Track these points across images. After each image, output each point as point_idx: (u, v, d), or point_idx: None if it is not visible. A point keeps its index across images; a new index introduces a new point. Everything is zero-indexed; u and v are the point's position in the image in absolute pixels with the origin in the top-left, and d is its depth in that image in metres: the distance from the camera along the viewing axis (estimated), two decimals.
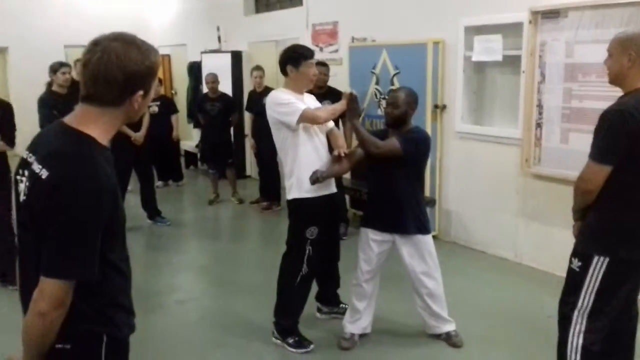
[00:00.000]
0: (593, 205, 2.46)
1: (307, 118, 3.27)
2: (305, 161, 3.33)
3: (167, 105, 7.72)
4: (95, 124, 1.48)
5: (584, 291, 2.46)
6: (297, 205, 3.38)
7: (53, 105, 5.60)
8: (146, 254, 5.62)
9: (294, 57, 3.36)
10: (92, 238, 1.42)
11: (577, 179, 2.49)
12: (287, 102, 3.26)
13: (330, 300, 3.91)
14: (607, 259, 2.41)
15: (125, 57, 1.44)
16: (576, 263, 2.50)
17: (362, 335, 3.58)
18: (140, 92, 1.50)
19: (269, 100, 3.37)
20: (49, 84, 5.90)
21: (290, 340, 3.49)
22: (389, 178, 3.34)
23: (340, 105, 3.44)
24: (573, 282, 2.52)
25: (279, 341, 3.54)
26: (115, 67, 1.43)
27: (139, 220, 6.31)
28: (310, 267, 3.42)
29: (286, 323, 3.53)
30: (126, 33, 1.51)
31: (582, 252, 2.50)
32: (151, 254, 5.63)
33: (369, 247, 3.43)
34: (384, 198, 3.39)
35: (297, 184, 3.34)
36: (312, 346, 3.49)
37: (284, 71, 3.40)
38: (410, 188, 3.35)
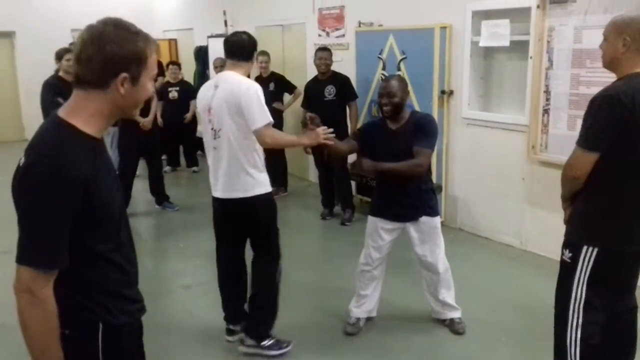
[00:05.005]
0: (581, 193, 2.40)
1: (266, 133, 3.02)
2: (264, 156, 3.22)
3: (187, 90, 7.72)
4: (81, 112, 1.49)
5: (576, 282, 2.40)
6: (263, 199, 3.18)
7: (58, 91, 5.60)
8: (154, 239, 5.66)
9: (257, 45, 3.24)
10: (55, 227, 1.42)
11: (564, 165, 2.44)
12: (264, 105, 3.03)
13: (244, 315, 3.46)
14: (595, 249, 2.35)
15: (106, 37, 1.45)
16: (567, 254, 2.45)
17: (367, 319, 3.61)
18: (124, 75, 1.48)
19: (244, 85, 3.04)
20: (57, 70, 5.91)
21: (267, 344, 3.30)
22: None
23: (298, 140, 3.38)
24: (565, 274, 2.46)
25: (251, 349, 3.31)
26: (95, 46, 1.45)
27: (147, 206, 6.35)
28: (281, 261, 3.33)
29: (268, 327, 3.33)
30: (121, 19, 1.51)
31: (571, 242, 2.44)
32: (159, 239, 5.68)
33: (379, 236, 3.43)
34: (393, 188, 3.35)
35: (264, 179, 3.17)
36: (291, 345, 3.34)
37: (249, 56, 3.17)
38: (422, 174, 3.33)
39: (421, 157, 3.19)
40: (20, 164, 1.45)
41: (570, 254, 2.43)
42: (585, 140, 2.31)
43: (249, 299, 3.39)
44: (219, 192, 3.20)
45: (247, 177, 3.10)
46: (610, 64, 2.40)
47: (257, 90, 3.03)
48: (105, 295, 1.57)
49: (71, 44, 5.85)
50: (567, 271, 2.45)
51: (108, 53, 1.45)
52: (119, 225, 1.62)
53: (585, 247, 2.37)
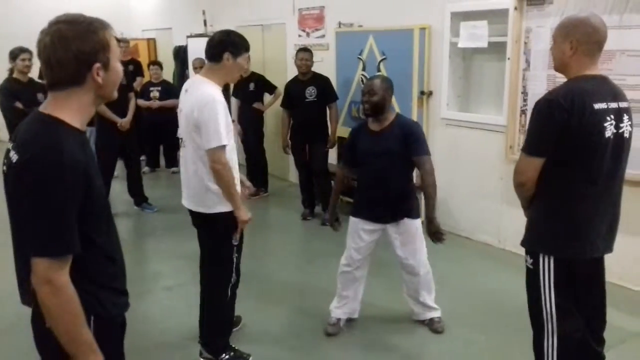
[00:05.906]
0: (534, 200, 2.39)
1: (217, 156, 2.80)
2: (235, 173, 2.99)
3: (168, 90, 7.66)
4: (65, 109, 1.53)
5: (542, 288, 2.38)
6: (225, 217, 2.98)
7: (14, 94, 5.51)
8: (133, 240, 5.60)
9: (236, 44, 2.95)
10: (65, 214, 1.45)
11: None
12: (221, 125, 2.80)
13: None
14: (552, 257, 2.34)
15: (68, 36, 1.48)
16: (529, 261, 2.44)
17: (349, 320, 3.61)
18: (97, 65, 1.52)
19: (205, 98, 2.82)
20: (11, 71, 5.79)
21: (225, 357, 3.19)
22: (382, 171, 3.29)
23: (235, 201, 2.95)
24: (531, 281, 2.45)
25: None
26: (62, 49, 1.48)
27: (126, 207, 6.28)
28: (237, 275, 3.19)
29: (223, 340, 3.24)
30: (69, 13, 1.55)
31: (529, 250, 2.43)
32: (138, 240, 5.62)
33: (359, 237, 3.42)
34: (376, 190, 3.33)
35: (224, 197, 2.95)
36: (250, 358, 3.25)
37: (216, 56, 2.91)
38: (403, 176, 3.35)
39: (428, 165, 3.25)
40: (13, 161, 1.47)
41: (532, 260, 2.42)
42: (528, 146, 2.31)
43: (200, 312, 3.27)
44: (185, 202, 3.09)
45: (208, 193, 2.92)
46: (559, 67, 2.37)
47: (218, 106, 2.80)
48: (99, 288, 1.61)
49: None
50: (532, 277, 2.44)
51: (76, 51, 1.48)
52: (109, 220, 1.67)
53: (542, 255, 2.36)
